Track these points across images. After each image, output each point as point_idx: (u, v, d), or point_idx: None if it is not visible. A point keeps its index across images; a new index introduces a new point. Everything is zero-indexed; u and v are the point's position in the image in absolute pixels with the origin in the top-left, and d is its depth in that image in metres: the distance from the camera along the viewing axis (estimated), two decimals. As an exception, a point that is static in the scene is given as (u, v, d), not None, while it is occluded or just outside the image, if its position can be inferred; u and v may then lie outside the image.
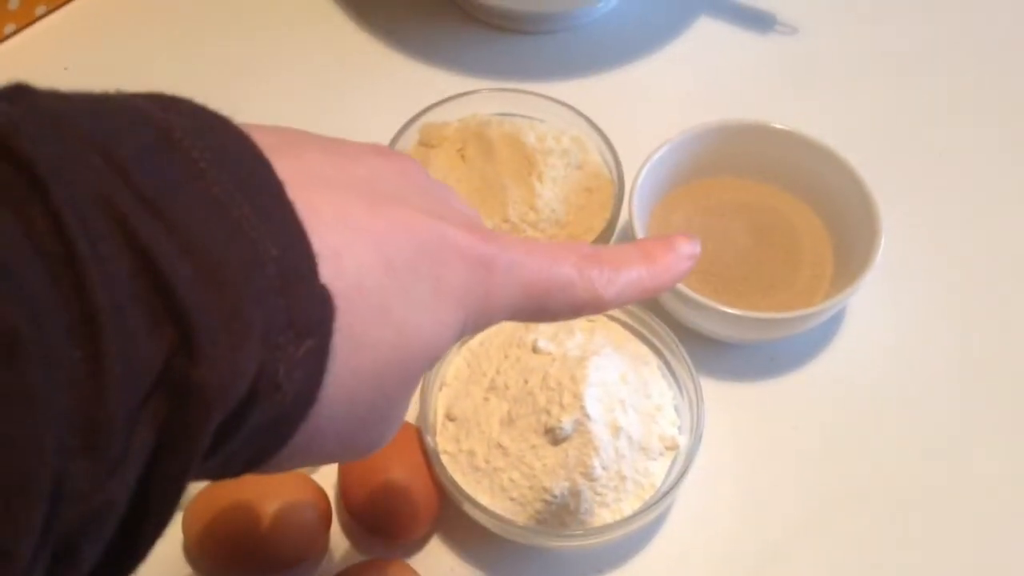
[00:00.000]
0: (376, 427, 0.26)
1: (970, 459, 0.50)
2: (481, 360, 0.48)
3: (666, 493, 0.44)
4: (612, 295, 0.29)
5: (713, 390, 0.50)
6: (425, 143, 0.57)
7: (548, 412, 0.44)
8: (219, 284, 0.20)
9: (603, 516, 0.44)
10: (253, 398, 0.21)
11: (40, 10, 0.67)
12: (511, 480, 0.44)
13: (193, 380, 0.19)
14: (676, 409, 0.48)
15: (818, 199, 0.55)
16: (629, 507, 0.45)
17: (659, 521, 0.47)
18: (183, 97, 0.22)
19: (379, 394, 0.24)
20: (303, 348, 0.21)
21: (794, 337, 0.52)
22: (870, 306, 0.54)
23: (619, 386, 0.45)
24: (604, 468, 0.44)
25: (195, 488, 0.45)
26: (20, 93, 0.20)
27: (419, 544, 0.46)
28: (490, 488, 0.45)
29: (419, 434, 0.46)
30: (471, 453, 0.45)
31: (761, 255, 0.54)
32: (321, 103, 0.63)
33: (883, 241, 0.50)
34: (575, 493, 0.44)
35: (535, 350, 0.47)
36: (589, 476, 0.44)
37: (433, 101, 0.57)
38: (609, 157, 0.55)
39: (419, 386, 0.46)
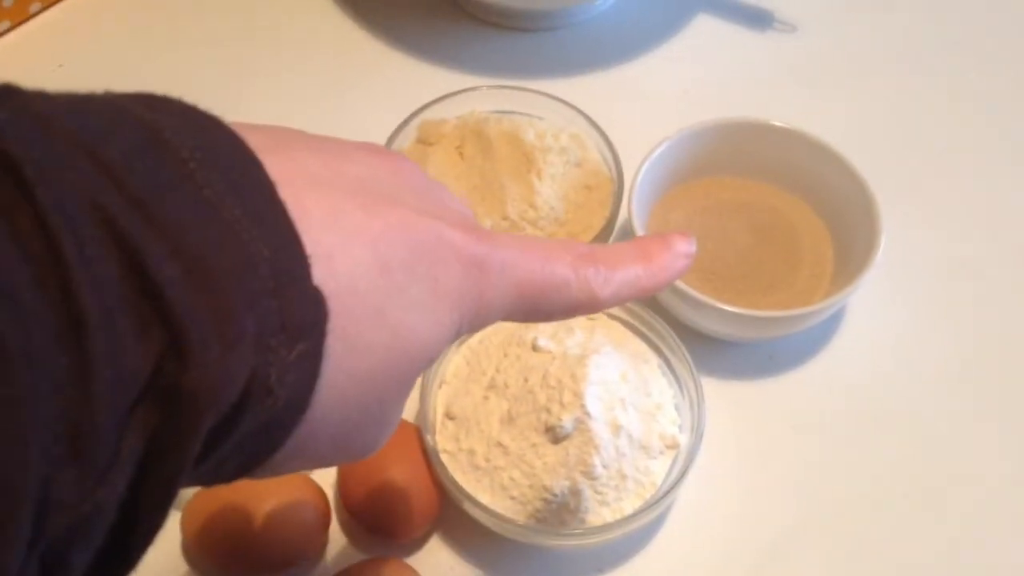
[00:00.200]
0: (371, 430, 0.25)
1: (970, 458, 0.50)
2: (481, 358, 0.48)
3: (667, 492, 0.44)
4: (608, 294, 0.29)
5: (712, 389, 0.50)
6: (423, 140, 0.57)
7: (548, 410, 0.44)
8: (210, 287, 0.19)
9: (603, 515, 0.44)
10: (245, 402, 0.20)
11: (35, 7, 0.67)
12: (511, 479, 0.44)
13: (183, 385, 0.19)
14: (676, 408, 0.48)
15: (818, 198, 0.55)
16: (630, 506, 0.45)
17: (659, 520, 0.47)
18: (172, 97, 0.22)
19: (373, 397, 0.24)
20: (296, 351, 0.21)
21: (794, 336, 0.52)
22: (870, 305, 0.54)
23: (619, 384, 0.45)
24: (605, 467, 0.44)
25: (193, 488, 0.45)
26: (6, 94, 0.19)
27: (419, 543, 0.46)
28: (490, 487, 0.44)
29: (418, 433, 0.46)
30: (471, 452, 0.45)
31: (761, 254, 0.54)
32: (319, 101, 0.63)
33: (883, 240, 0.50)
34: (575, 492, 0.44)
35: (535, 348, 0.47)
36: (590, 475, 0.43)
37: (431, 98, 0.57)
38: (608, 155, 0.55)
39: (415, 387, 0.46)
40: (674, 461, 0.46)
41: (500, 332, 0.49)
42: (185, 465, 0.19)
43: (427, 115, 0.57)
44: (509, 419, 0.45)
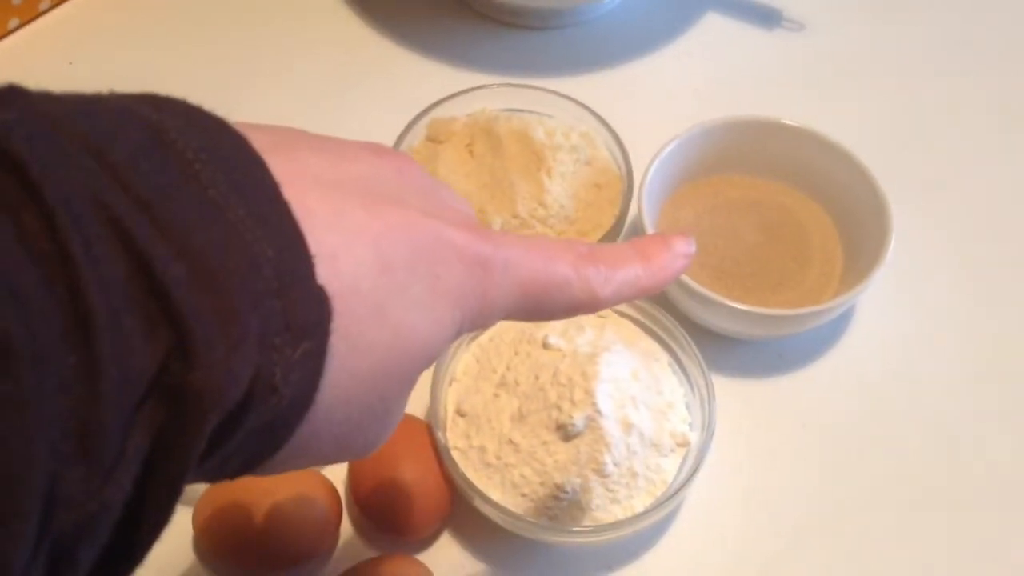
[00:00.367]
0: (372, 428, 0.26)
1: (979, 457, 0.50)
2: (491, 356, 0.48)
3: (678, 490, 0.44)
4: (608, 294, 0.29)
5: (721, 386, 0.50)
6: (433, 139, 0.57)
7: (559, 408, 0.44)
8: (215, 286, 0.19)
9: (614, 512, 0.44)
10: (249, 401, 0.20)
11: (44, 5, 0.67)
12: (522, 476, 0.44)
13: (189, 384, 0.19)
14: (687, 406, 0.48)
15: (828, 196, 0.55)
16: (640, 503, 0.45)
17: (670, 518, 0.47)
18: (177, 98, 0.22)
19: (375, 395, 0.24)
20: (300, 350, 0.21)
21: (803, 334, 0.52)
22: (880, 304, 0.54)
23: (630, 382, 0.45)
24: (616, 464, 0.44)
25: (204, 484, 0.45)
26: (12, 95, 0.20)
27: (429, 540, 0.46)
28: (501, 484, 0.45)
29: (429, 430, 0.46)
30: (482, 449, 0.45)
31: (770, 252, 0.54)
32: (328, 100, 0.63)
33: (893, 239, 0.50)
34: (586, 489, 0.44)
35: (545, 346, 0.47)
36: (601, 472, 0.44)
37: (441, 97, 0.57)
38: (618, 153, 0.55)
39: (426, 383, 0.46)
40: (685, 459, 0.46)
41: (510, 330, 0.49)
42: (190, 463, 0.20)
43: (437, 113, 0.57)
44: (520, 416, 0.45)
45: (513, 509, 0.44)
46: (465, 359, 0.49)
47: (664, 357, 0.49)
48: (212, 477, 0.23)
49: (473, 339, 0.49)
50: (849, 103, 0.64)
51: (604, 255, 0.29)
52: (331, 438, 0.24)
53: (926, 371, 0.53)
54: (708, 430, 0.46)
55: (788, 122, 0.55)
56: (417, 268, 0.24)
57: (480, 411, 0.46)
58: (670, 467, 0.46)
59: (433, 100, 0.57)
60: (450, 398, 0.48)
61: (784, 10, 0.69)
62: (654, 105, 0.63)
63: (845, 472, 0.49)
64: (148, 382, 0.19)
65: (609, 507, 0.44)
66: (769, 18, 0.68)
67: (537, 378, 0.45)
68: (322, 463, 0.26)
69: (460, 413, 0.47)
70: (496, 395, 0.46)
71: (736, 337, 0.52)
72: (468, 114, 0.57)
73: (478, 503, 0.44)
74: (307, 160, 0.24)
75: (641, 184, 0.52)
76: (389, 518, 0.45)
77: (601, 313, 0.50)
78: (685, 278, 0.48)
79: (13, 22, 0.65)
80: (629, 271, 0.30)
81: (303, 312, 0.21)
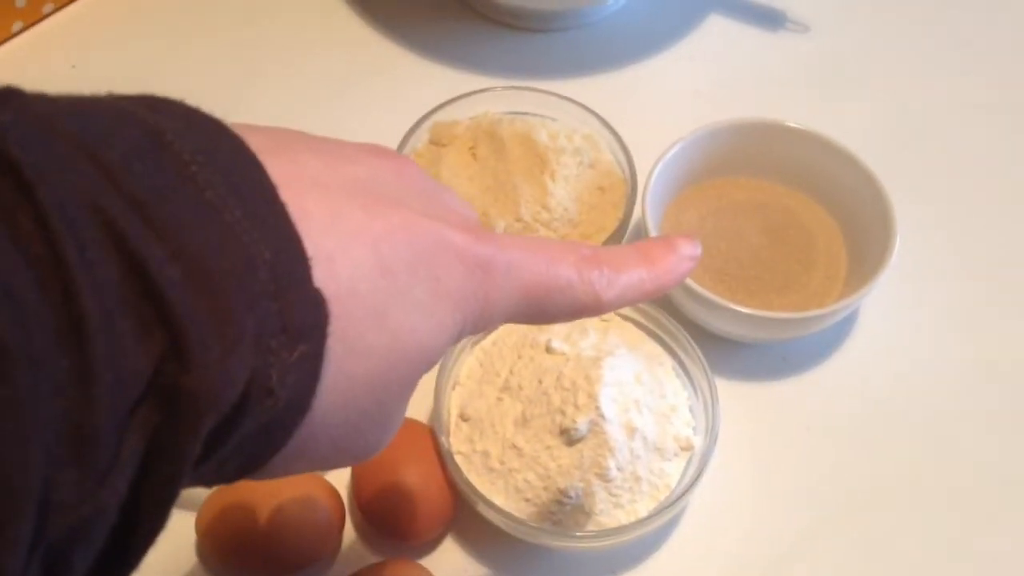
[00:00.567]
0: (371, 432, 0.25)
1: (984, 460, 0.50)
2: (494, 360, 0.48)
3: (682, 494, 0.44)
4: (612, 297, 0.29)
5: (725, 390, 0.50)
6: (436, 142, 0.57)
7: (563, 412, 0.44)
8: (210, 289, 0.19)
9: (618, 517, 0.44)
10: (245, 404, 0.20)
11: (47, 8, 0.67)
12: (526, 481, 0.44)
13: (183, 387, 0.19)
14: (691, 409, 0.48)
15: (832, 199, 0.55)
16: (644, 508, 0.44)
17: (673, 522, 0.47)
18: (174, 99, 0.22)
19: (374, 399, 0.24)
20: (296, 353, 0.21)
21: (807, 337, 0.52)
22: (884, 307, 0.54)
23: (634, 386, 0.45)
24: (619, 469, 0.44)
25: (208, 489, 0.45)
26: (8, 97, 0.20)
27: (432, 545, 0.46)
28: (504, 489, 0.44)
29: (432, 434, 0.46)
30: (485, 454, 0.45)
31: (774, 255, 0.54)
32: (330, 102, 0.63)
33: (897, 241, 0.50)
34: (590, 494, 0.44)
35: (549, 350, 0.47)
36: (604, 477, 0.43)
37: (443, 100, 0.57)
38: (621, 156, 0.55)
39: (429, 388, 0.46)
40: (688, 463, 0.46)
41: (513, 334, 0.49)
42: (185, 466, 0.19)
43: (439, 116, 0.57)
44: (523, 421, 0.45)
45: (516, 514, 0.44)
46: (468, 363, 0.49)
47: (667, 361, 0.49)
48: (209, 481, 0.23)
49: (476, 343, 0.49)
50: (853, 105, 0.64)
51: (608, 257, 0.29)
52: (329, 442, 0.24)
53: (930, 374, 0.52)
54: (712, 434, 0.45)
55: (792, 124, 0.55)
56: (417, 270, 0.24)
57: (483, 415, 0.46)
58: (674, 471, 0.46)
59: (436, 103, 0.57)
60: (453, 402, 0.47)
61: (788, 12, 0.68)
62: (657, 107, 0.63)
63: (849, 475, 0.49)
64: (143, 384, 0.18)
65: (613, 512, 0.44)
66: (773, 20, 0.68)
67: (540, 382, 0.45)
68: (322, 467, 0.25)
69: (463, 417, 0.47)
70: (499, 399, 0.46)
71: (740, 340, 0.52)
72: (471, 117, 0.57)
73: (481, 508, 0.44)
74: (305, 162, 0.24)
75: (645, 187, 0.52)
76: (392, 523, 0.44)
77: (604, 316, 0.49)
78: (688, 281, 0.48)
79: (17, 25, 0.65)
80: (633, 274, 0.30)
81: (300, 314, 0.21)
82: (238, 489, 0.43)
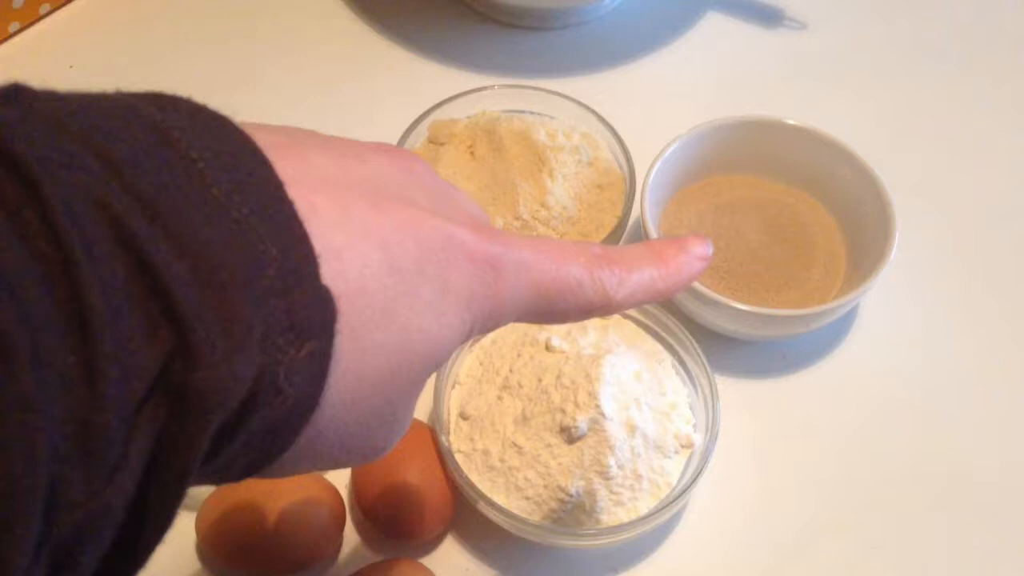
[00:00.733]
0: (380, 431, 0.25)
1: (985, 457, 0.50)
2: (494, 358, 0.48)
3: (682, 492, 0.44)
4: (622, 296, 0.29)
5: (724, 387, 0.50)
6: (434, 140, 0.57)
7: (563, 411, 0.44)
8: (217, 286, 0.19)
9: (619, 515, 0.44)
10: (253, 402, 0.20)
11: (44, 8, 0.67)
12: (526, 479, 0.44)
13: (191, 384, 0.19)
14: (691, 407, 0.48)
15: (831, 196, 0.55)
16: (645, 506, 0.44)
17: (674, 520, 0.47)
18: (182, 96, 0.22)
19: (383, 398, 0.24)
20: (304, 351, 0.21)
21: (806, 334, 0.52)
22: (884, 304, 0.54)
23: (634, 384, 0.45)
24: (620, 467, 0.44)
25: (207, 488, 0.45)
26: (16, 93, 0.20)
27: (433, 544, 0.46)
28: (505, 487, 0.44)
29: (433, 433, 0.46)
30: (486, 452, 0.45)
31: (774, 252, 0.54)
32: (329, 101, 0.63)
33: (897, 238, 0.50)
34: (591, 492, 0.44)
35: (549, 348, 0.47)
36: (605, 475, 0.43)
37: (442, 98, 0.57)
38: (620, 154, 0.55)
39: (428, 387, 0.46)
40: (689, 460, 0.46)
41: (513, 332, 0.49)
42: (193, 464, 0.19)
43: (438, 115, 0.57)
44: (523, 419, 0.45)
45: (517, 512, 0.44)
46: (468, 362, 0.49)
47: (667, 358, 0.49)
48: (217, 479, 0.23)
49: (476, 342, 0.49)
50: (852, 102, 0.64)
51: (618, 257, 0.29)
52: (338, 441, 0.24)
53: (930, 371, 0.52)
54: (712, 431, 0.45)
55: (791, 122, 0.55)
56: (426, 269, 0.24)
57: (484, 414, 0.46)
58: (674, 469, 0.46)
59: (434, 102, 0.56)
60: (453, 401, 0.47)
61: (786, 8, 0.68)
62: (656, 105, 0.63)
63: (849, 472, 0.49)
64: (150, 382, 0.18)
65: (613, 509, 0.44)
66: (771, 17, 0.68)
67: (540, 381, 0.45)
68: (330, 467, 0.25)
69: (463, 416, 0.47)
70: (499, 398, 0.46)
71: (739, 338, 0.52)
72: (469, 116, 0.57)
73: (482, 507, 0.44)
74: (313, 159, 0.24)
75: (643, 185, 0.52)
76: (393, 522, 0.44)
77: (604, 315, 0.49)
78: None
79: (13, 26, 0.65)
80: (644, 273, 0.29)
81: (307, 312, 0.21)
82: (239, 489, 0.43)
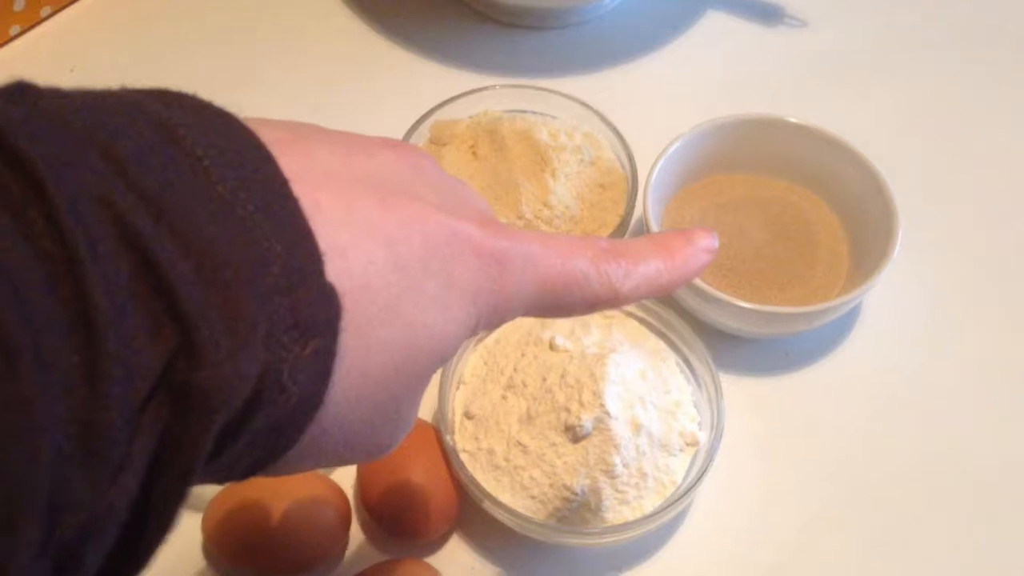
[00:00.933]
0: (385, 429, 0.25)
1: (988, 455, 0.50)
2: (498, 358, 0.48)
3: (687, 490, 0.44)
4: (628, 289, 0.29)
5: (728, 385, 0.50)
6: (436, 141, 0.57)
7: (568, 410, 0.44)
8: (222, 284, 0.19)
9: (624, 513, 0.44)
10: (257, 400, 0.20)
11: (45, 11, 0.67)
12: (531, 478, 0.44)
13: (195, 383, 0.19)
14: (695, 405, 0.48)
15: (834, 194, 0.55)
16: (650, 504, 0.44)
17: (679, 518, 0.47)
18: (187, 93, 0.22)
19: (387, 395, 0.24)
20: (309, 349, 0.21)
21: (810, 332, 0.52)
22: (887, 301, 0.54)
23: (638, 383, 0.45)
24: (625, 465, 0.44)
25: (214, 487, 0.45)
26: (20, 91, 0.20)
27: (439, 543, 0.46)
28: (510, 486, 0.44)
29: (437, 433, 0.46)
30: (490, 451, 0.45)
31: (777, 250, 0.54)
32: (329, 101, 0.63)
33: (900, 236, 0.50)
34: (596, 491, 0.44)
35: (552, 347, 0.47)
36: (610, 473, 0.43)
37: (444, 99, 0.57)
38: (622, 153, 0.55)
39: (433, 386, 0.46)
40: (694, 459, 0.46)
41: (517, 331, 0.49)
42: (197, 463, 0.19)
43: (440, 115, 0.57)
44: (528, 418, 0.45)
45: (522, 511, 0.44)
46: (472, 361, 0.49)
47: (671, 356, 0.49)
48: (221, 478, 0.23)
49: (480, 341, 0.49)
50: (853, 100, 0.64)
51: (624, 250, 0.29)
52: (343, 438, 0.24)
53: (934, 368, 0.52)
54: (717, 429, 0.45)
55: (792, 120, 0.55)
56: (431, 264, 0.24)
57: (488, 413, 0.46)
58: (679, 467, 0.46)
59: (436, 102, 0.57)
60: (458, 401, 0.47)
61: (786, 7, 0.68)
62: (658, 104, 0.63)
63: (854, 470, 0.49)
64: (153, 381, 0.18)
65: (619, 508, 0.44)
66: (771, 15, 0.68)
67: (545, 380, 0.45)
68: (334, 464, 0.25)
69: (468, 416, 0.47)
70: (504, 397, 0.46)
71: (743, 336, 0.52)
72: (471, 116, 0.57)
73: (487, 506, 0.44)
74: (318, 155, 0.24)
75: (646, 184, 0.52)
76: (398, 522, 0.44)
77: (607, 313, 0.49)
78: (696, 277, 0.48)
79: (14, 29, 0.65)
80: (650, 266, 0.29)
81: (312, 310, 0.21)
82: (245, 488, 0.43)
